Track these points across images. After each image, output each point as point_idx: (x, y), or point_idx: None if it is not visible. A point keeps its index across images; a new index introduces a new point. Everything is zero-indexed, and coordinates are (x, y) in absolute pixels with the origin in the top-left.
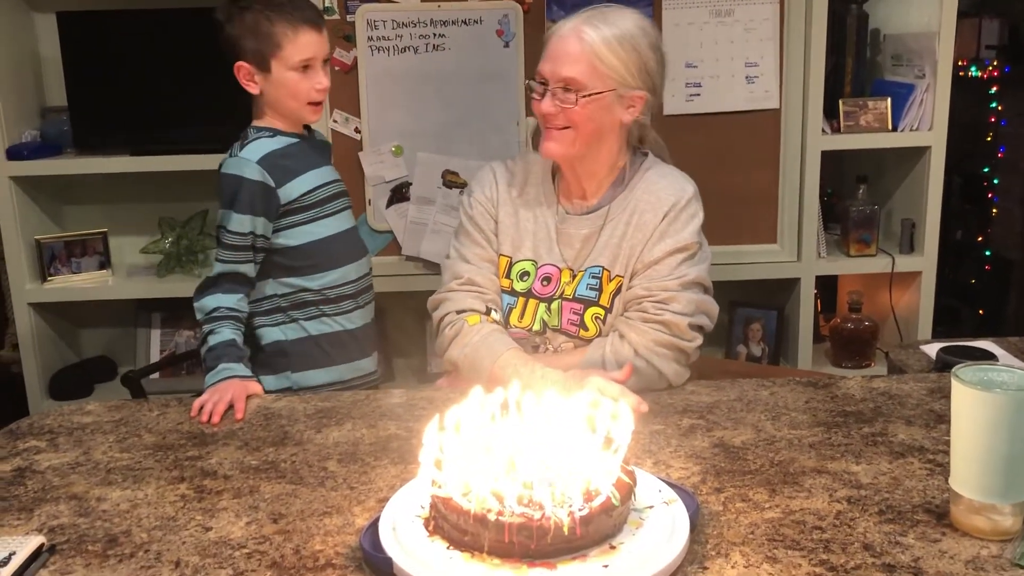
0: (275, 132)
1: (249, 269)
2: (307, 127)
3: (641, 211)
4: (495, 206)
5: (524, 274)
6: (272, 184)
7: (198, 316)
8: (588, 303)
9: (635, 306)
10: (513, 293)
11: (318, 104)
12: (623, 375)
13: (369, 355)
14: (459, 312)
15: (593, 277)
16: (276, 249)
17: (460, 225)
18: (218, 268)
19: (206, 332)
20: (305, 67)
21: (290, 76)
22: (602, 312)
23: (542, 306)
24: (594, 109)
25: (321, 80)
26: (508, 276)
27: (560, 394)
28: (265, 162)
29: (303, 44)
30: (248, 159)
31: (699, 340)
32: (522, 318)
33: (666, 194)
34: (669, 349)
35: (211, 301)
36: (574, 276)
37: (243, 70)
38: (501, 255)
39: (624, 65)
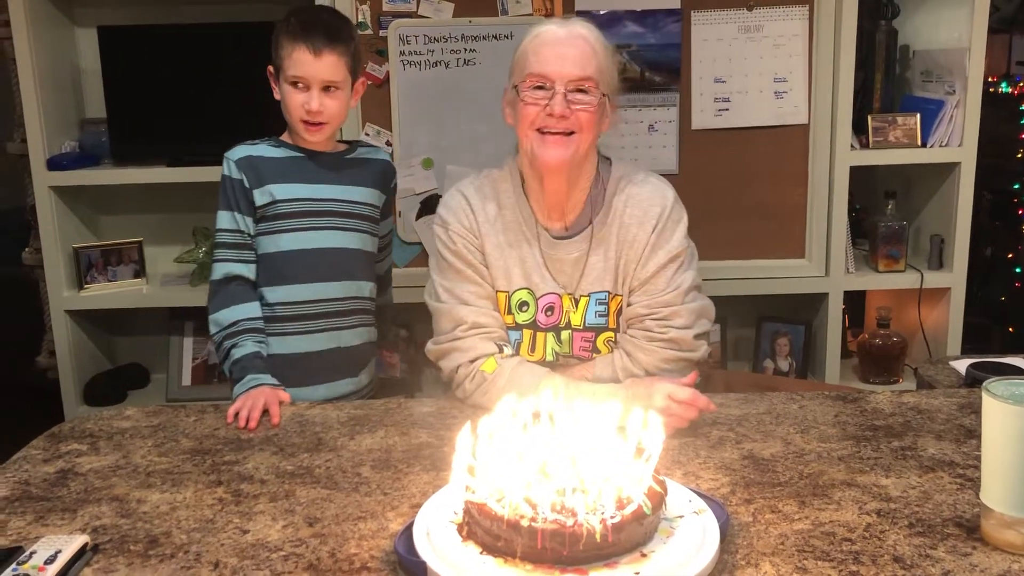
0: (280, 143)
1: (243, 270)
2: (352, 142)
3: (627, 226)
4: (478, 236)
5: (523, 304)
6: (247, 184)
7: (212, 329)
8: (600, 330)
9: (637, 324)
10: (516, 327)
11: (310, 125)
12: (691, 379)
13: (308, 385)
14: (472, 361)
15: (600, 303)
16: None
17: (442, 261)
18: (215, 271)
19: (228, 346)
20: (299, 84)
21: (286, 89)
22: (612, 335)
23: (550, 336)
24: (598, 113)
25: (310, 102)
26: (508, 311)
27: (626, 406)
28: (243, 162)
29: (295, 61)
30: (229, 158)
31: (704, 347)
32: (532, 351)
33: (650, 205)
34: (678, 363)
35: (227, 315)
36: (576, 301)
37: (271, 75)
38: (498, 291)
39: (612, 70)
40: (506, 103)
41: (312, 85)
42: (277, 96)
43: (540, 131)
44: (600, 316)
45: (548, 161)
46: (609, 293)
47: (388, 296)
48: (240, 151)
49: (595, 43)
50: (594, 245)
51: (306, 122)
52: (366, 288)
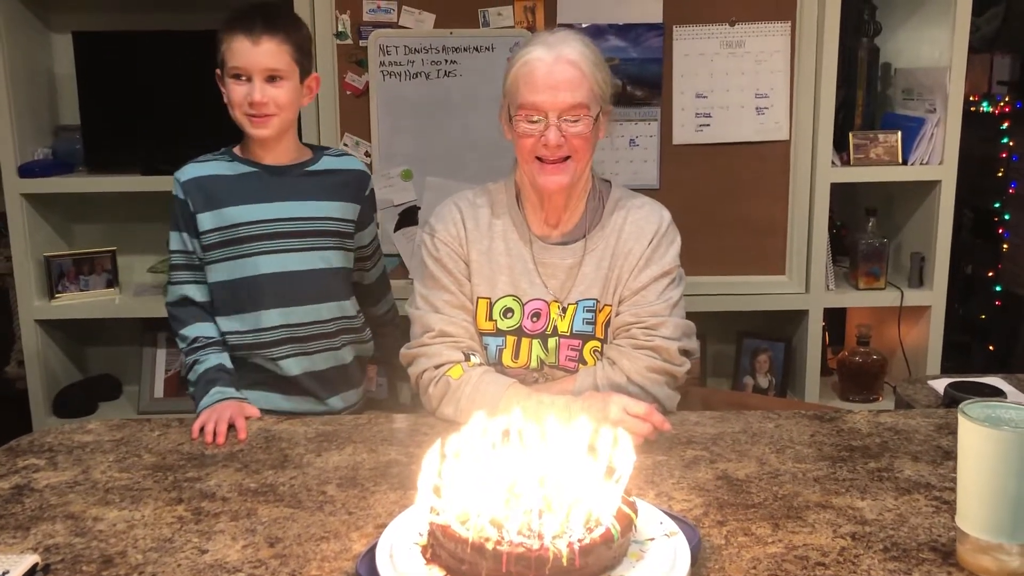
0: (234, 157)
1: (195, 291)
2: (320, 149)
3: (624, 240)
4: (464, 245)
5: (508, 311)
6: (192, 208)
7: (180, 345)
8: (586, 337)
9: (623, 333)
10: (499, 333)
11: (255, 118)
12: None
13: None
14: (437, 367)
15: (588, 311)
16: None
17: (424, 269)
18: (170, 294)
19: (191, 362)
20: (240, 76)
21: (229, 84)
22: (599, 344)
23: (536, 343)
24: (592, 133)
25: (252, 93)
26: (490, 317)
27: (576, 418)
28: (190, 184)
29: (234, 51)
30: (177, 178)
31: (687, 365)
32: (516, 357)
33: (647, 223)
34: (661, 374)
35: (190, 331)
36: (564, 309)
37: (219, 79)
38: (479, 298)
39: (605, 80)
40: (503, 121)
41: (253, 74)
42: (226, 100)
43: (538, 159)
44: (587, 324)
45: (548, 188)
46: (597, 301)
47: (387, 304)
48: (188, 172)
49: (583, 63)
50: (588, 254)
51: (251, 115)
52: (335, 308)
